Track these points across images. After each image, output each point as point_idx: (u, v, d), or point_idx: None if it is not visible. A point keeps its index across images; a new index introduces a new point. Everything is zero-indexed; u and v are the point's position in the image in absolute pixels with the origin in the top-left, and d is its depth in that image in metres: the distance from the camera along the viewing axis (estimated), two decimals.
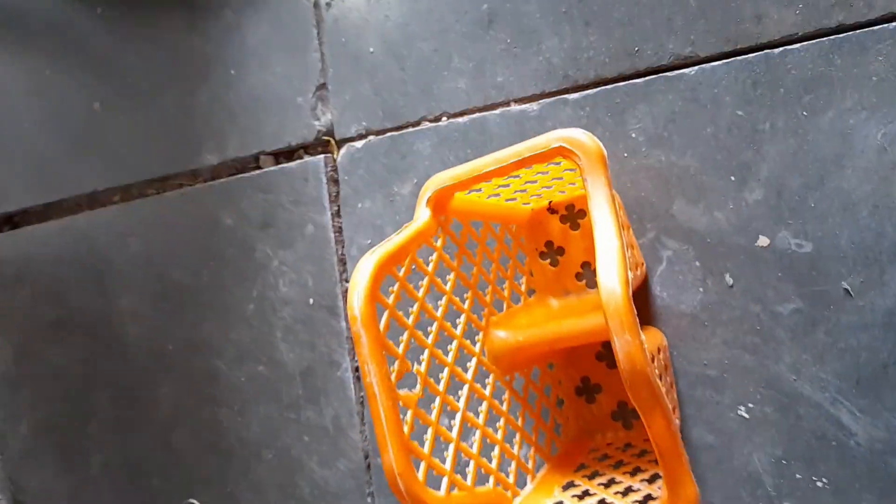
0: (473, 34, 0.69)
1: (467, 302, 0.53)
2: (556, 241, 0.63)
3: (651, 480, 0.50)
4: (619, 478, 0.52)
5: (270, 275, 0.80)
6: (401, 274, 0.46)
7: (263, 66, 0.81)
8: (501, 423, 0.52)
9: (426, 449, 0.43)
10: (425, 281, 0.49)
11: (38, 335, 0.98)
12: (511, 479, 0.50)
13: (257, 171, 0.82)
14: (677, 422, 0.58)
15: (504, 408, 0.53)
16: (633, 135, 0.61)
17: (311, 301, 0.78)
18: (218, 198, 0.85)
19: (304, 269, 0.78)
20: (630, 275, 0.40)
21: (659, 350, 0.56)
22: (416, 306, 0.47)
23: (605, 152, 0.44)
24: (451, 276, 0.52)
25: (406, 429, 0.42)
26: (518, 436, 0.53)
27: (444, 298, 0.50)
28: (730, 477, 0.57)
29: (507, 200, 0.59)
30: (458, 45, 0.69)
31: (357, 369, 0.75)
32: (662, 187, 0.60)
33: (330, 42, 0.76)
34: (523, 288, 0.61)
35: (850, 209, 0.54)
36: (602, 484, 0.52)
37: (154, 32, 0.90)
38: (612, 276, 0.39)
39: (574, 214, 0.62)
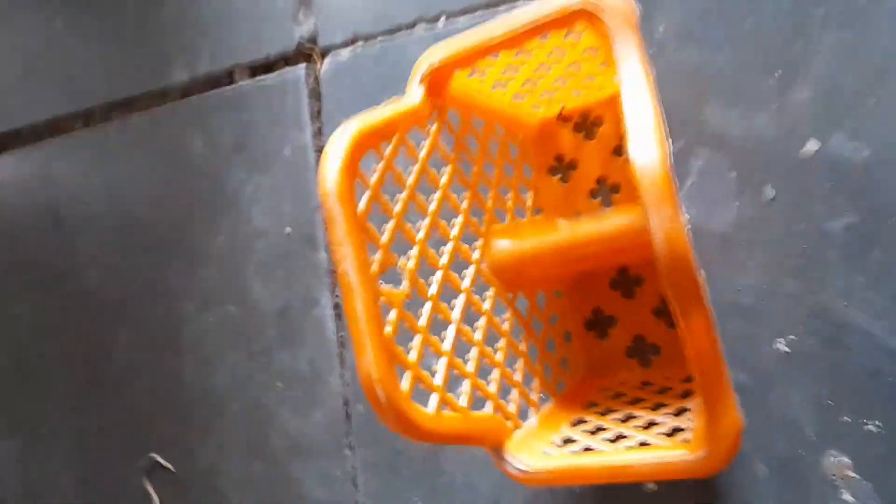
0: None
1: (465, 202, 0.45)
2: (567, 155, 0.55)
3: (677, 413, 0.42)
4: (637, 412, 0.44)
5: (243, 204, 0.72)
6: (387, 153, 0.38)
7: None
8: (502, 343, 0.44)
9: (413, 358, 0.35)
10: (416, 168, 0.40)
11: None
12: (512, 409, 0.42)
13: (231, 87, 0.73)
14: None
15: (505, 328, 0.45)
16: (661, 29, 0.53)
17: (288, 231, 0.69)
18: (187, 119, 0.76)
19: (280, 196, 0.70)
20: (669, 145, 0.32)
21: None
22: (404, 194, 0.39)
23: (638, 13, 0.36)
24: (448, 170, 0.44)
25: (389, 329, 0.34)
26: (521, 362, 0.45)
27: (439, 192, 0.42)
28: (765, 421, 0.49)
29: (514, 97, 0.51)
30: None
31: (337, 306, 0.67)
32: (694, 90, 0.52)
33: None
34: (529, 204, 0.53)
35: None
36: (618, 419, 0.44)
37: None
38: (647, 142, 0.31)
39: (590, 122, 0.54)
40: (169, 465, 0.78)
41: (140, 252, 0.80)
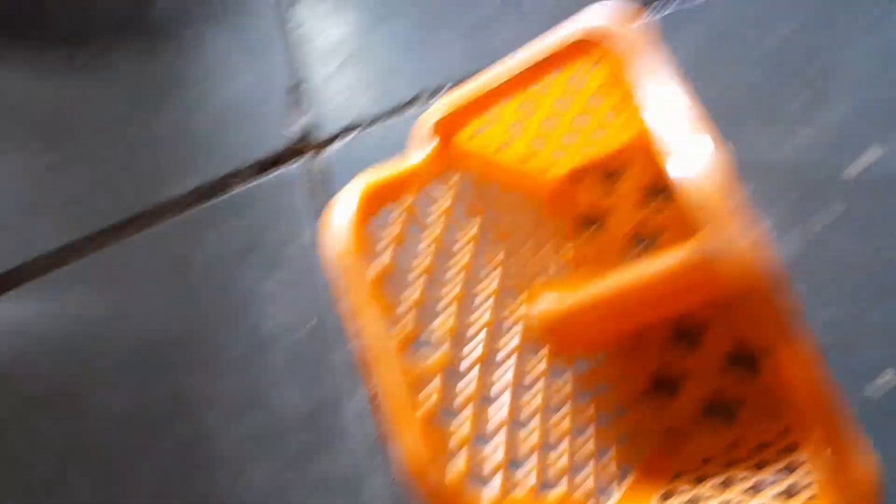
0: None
1: (501, 254, 0.40)
2: (591, 211, 0.50)
3: (791, 469, 0.35)
4: (738, 474, 0.37)
5: (255, 309, 0.69)
6: (406, 204, 0.34)
7: (228, 79, 0.72)
8: (568, 408, 0.38)
9: (465, 433, 0.30)
10: (440, 220, 0.36)
11: (2, 419, 0.86)
12: (591, 484, 0.36)
13: (228, 195, 0.71)
14: None
15: (567, 391, 0.39)
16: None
17: (310, 325, 0.65)
18: (187, 232, 0.75)
19: (292, 297, 0.67)
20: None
21: None
22: (424, 249, 0.34)
23: (651, 36, 0.32)
24: (477, 221, 0.39)
25: (434, 399, 0.28)
26: (591, 429, 0.39)
27: (470, 244, 0.37)
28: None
29: (522, 160, 0.47)
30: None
31: (375, 398, 0.61)
32: (729, 111, 0.48)
33: (299, 39, 0.68)
34: (565, 261, 0.49)
35: None
36: (717, 485, 0.37)
37: (107, 70, 0.83)
38: (691, 151, 0.27)
39: (607, 175, 0.50)
40: None
41: (159, 371, 0.76)
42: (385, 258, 0.30)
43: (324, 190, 0.65)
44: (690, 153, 0.27)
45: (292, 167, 0.67)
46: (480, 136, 0.41)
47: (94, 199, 0.82)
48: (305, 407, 0.65)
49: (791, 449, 0.38)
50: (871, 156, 0.44)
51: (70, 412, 0.83)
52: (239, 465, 0.69)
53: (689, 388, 0.47)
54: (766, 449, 0.40)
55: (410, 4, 0.61)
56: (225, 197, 0.71)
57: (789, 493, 0.32)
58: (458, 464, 0.28)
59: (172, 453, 0.74)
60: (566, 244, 0.50)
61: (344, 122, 0.65)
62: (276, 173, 0.68)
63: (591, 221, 0.51)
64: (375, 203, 0.32)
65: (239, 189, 0.70)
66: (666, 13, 0.51)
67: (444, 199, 0.38)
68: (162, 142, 0.77)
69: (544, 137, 0.44)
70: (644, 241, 0.49)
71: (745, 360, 0.45)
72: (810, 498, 0.29)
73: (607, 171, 0.50)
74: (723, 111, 0.48)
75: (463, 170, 0.41)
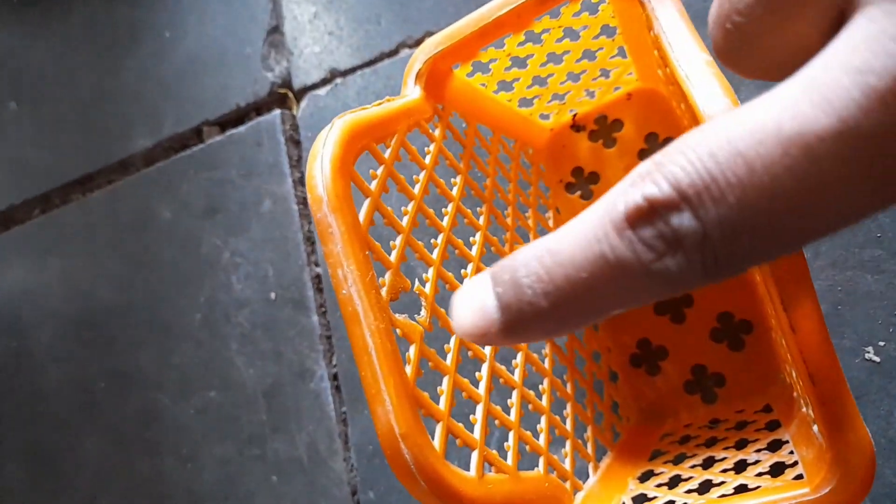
0: None
1: (482, 217, 0.38)
2: (586, 167, 0.49)
3: (773, 448, 0.34)
4: (719, 454, 0.36)
5: (221, 272, 0.65)
6: (387, 154, 0.31)
7: (202, 19, 0.67)
8: (545, 385, 0.36)
9: (443, 406, 0.27)
10: (423, 175, 0.34)
11: None
12: (567, 466, 0.34)
13: (199, 147, 0.67)
14: None
15: (546, 366, 0.37)
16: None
17: (273, 296, 0.62)
18: (153, 188, 0.70)
19: (262, 258, 0.63)
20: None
21: None
22: (411, 205, 0.32)
23: None
24: (458, 181, 0.37)
25: (409, 371, 0.26)
26: (569, 407, 0.37)
27: (451, 206, 0.35)
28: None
29: (520, 103, 0.45)
30: None
31: (336, 377, 0.59)
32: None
33: None
34: (552, 224, 0.47)
35: None
36: (697, 465, 0.36)
37: (68, 14, 0.77)
38: (711, 90, 0.25)
39: (607, 127, 0.48)
40: None
41: (106, 343, 0.72)
42: (364, 211, 0.28)
43: (301, 143, 0.62)
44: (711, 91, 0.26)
45: (268, 117, 0.63)
46: (480, 75, 0.39)
47: (49, 155, 0.77)
48: (262, 385, 0.62)
49: (772, 427, 0.36)
50: None
51: (6, 388, 0.78)
52: (189, 448, 0.65)
53: (671, 365, 0.45)
54: (745, 428, 0.39)
55: None
56: (196, 149, 0.67)
57: (773, 472, 0.30)
58: (436, 441, 0.25)
59: (117, 433, 0.70)
60: (551, 209, 0.48)
61: (323, 72, 0.61)
62: (251, 123, 0.64)
63: (577, 186, 0.49)
64: (359, 143, 0.29)
65: (211, 140, 0.66)
66: None
67: (429, 148, 0.35)
68: (128, 91, 0.72)
69: (543, 79, 0.42)
70: None
71: (729, 335, 0.44)
72: (796, 477, 0.27)
73: (601, 129, 0.48)
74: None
75: (456, 110, 0.38)
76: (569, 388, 0.38)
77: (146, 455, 0.68)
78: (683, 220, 0.12)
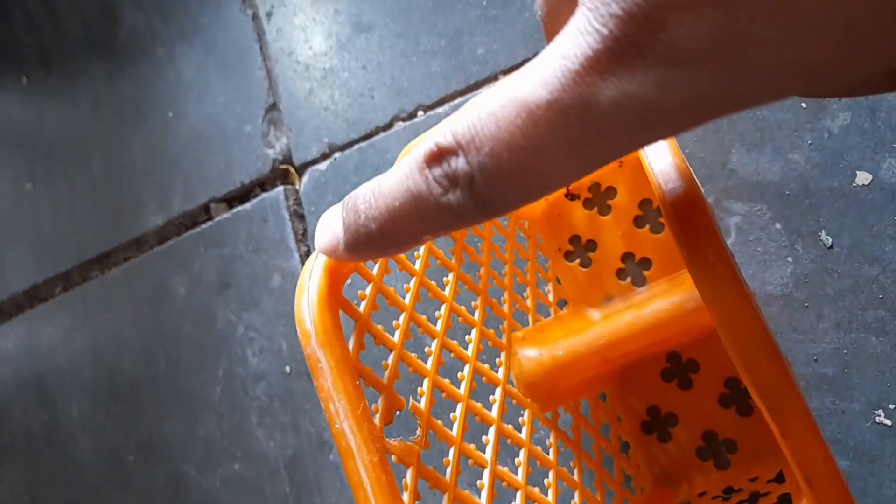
0: (441, 6, 0.57)
1: (477, 312, 0.38)
2: (583, 235, 0.49)
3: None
4: None
5: (236, 346, 0.66)
6: (375, 272, 0.32)
7: (203, 98, 0.69)
8: (550, 478, 0.36)
9: None
10: (413, 284, 0.35)
11: None
12: None
13: (208, 224, 0.69)
14: None
15: (551, 457, 0.37)
16: None
17: (288, 369, 0.63)
18: (167, 264, 0.72)
19: (275, 332, 0.64)
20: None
21: None
22: (402, 318, 0.33)
23: None
24: (450, 279, 0.38)
25: (407, 497, 0.27)
26: (577, 496, 0.38)
27: (444, 307, 0.36)
28: None
29: None
30: (425, 22, 0.58)
31: None
32: (711, 136, 0.47)
33: (275, 56, 0.65)
34: (551, 298, 0.47)
35: None
36: None
37: (78, 91, 0.80)
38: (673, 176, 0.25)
39: (601, 195, 0.49)
40: None
41: (132, 415, 0.74)
42: (352, 340, 0.29)
43: (305, 217, 0.63)
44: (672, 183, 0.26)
45: (272, 193, 0.64)
46: None
47: (68, 233, 0.80)
48: (284, 456, 0.63)
49: (784, 502, 0.37)
50: (869, 173, 0.42)
51: (37, 459, 0.80)
52: None
53: (681, 431, 0.46)
54: (758, 500, 0.39)
55: (396, 11, 0.60)
56: (205, 226, 0.69)
57: None
58: None
59: (145, 502, 0.72)
60: (550, 282, 0.48)
61: (321, 147, 0.62)
62: (256, 200, 0.66)
63: (576, 254, 0.49)
64: (344, 268, 0.30)
65: (219, 217, 0.68)
66: None
67: (419, 254, 0.36)
68: (137, 167, 0.74)
69: None
70: (629, 276, 0.48)
71: (736, 400, 0.44)
72: None
73: (595, 197, 0.49)
74: (712, 136, 0.47)
75: None
76: (576, 475, 0.39)
77: None
78: (459, 163, 0.15)
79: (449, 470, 0.31)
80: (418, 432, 0.30)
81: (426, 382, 0.32)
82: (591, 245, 0.49)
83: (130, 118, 0.74)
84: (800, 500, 0.36)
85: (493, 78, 0.55)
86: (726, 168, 0.46)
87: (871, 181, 0.42)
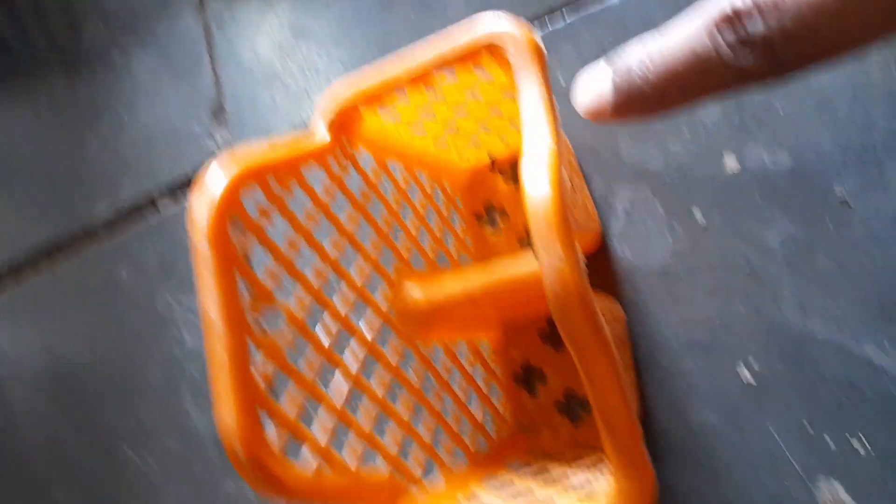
0: (374, 18, 0.63)
1: (369, 243, 0.42)
2: (497, 205, 0.54)
3: (592, 466, 0.37)
4: (552, 466, 0.39)
5: (173, 327, 0.70)
6: (277, 192, 0.36)
7: (155, 101, 0.75)
8: (405, 394, 0.40)
9: (290, 411, 0.31)
10: (311, 207, 0.38)
11: None
12: (418, 472, 0.37)
13: (154, 215, 0.73)
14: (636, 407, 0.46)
15: (414, 380, 0.41)
16: (561, 80, 0.54)
17: None
18: (114, 255, 0.76)
19: None
20: (566, 179, 0.30)
21: (614, 320, 0.46)
22: (292, 232, 0.36)
23: (543, 48, 0.35)
24: (352, 212, 0.41)
25: (261, 381, 0.30)
26: (429, 417, 0.41)
27: (337, 232, 0.40)
28: (745, 462, 0.44)
29: (438, 144, 0.50)
30: (360, 31, 0.64)
31: None
32: (604, 131, 0.52)
33: (224, 62, 0.71)
34: (454, 254, 0.51)
35: (827, 106, 0.46)
36: (528, 474, 0.39)
37: (37, 96, 0.85)
38: (538, 172, 0.29)
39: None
40: None
41: (78, 402, 0.77)
42: (246, 238, 0.32)
43: None
44: (537, 169, 0.29)
45: None
46: (391, 121, 0.43)
47: (21, 227, 0.84)
48: (213, 432, 0.65)
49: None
50: (736, 159, 0.47)
51: None
52: (149, 494, 0.69)
53: (547, 387, 0.50)
54: (595, 452, 0.42)
55: (332, 20, 0.65)
56: (151, 218, 0.73)
57: (580, 487, 0.34)
58: (277, 438, 0.29)
59: (86, 488, 0.74)
60: (459, 239, 0.52)
61: (265, 141, 0.67)
62: None
63: (488, 220, 0.54)
64: (248, 178, 0.34)
65: (165, 209, 0.72)
66: (579, 16, 0.54)
67: (326, 182, 0.39)
68: (88, 165, 0.79)
69: (456, 127, 0.47)
70: (529, 244, 0.51)
71: None
72: (589, 494, 0.31)
73: (515, 173, 0.53)
74: (604, 129, 0.52)
75: (364, 147, 0.42)
76: (435, 402, 0.42)
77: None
78: (757, 26, 0.16)
79: (304, 366, 0.34)
80: (283, 325, 0.34)
81: (299, 288, 0.36)
82: (504, 215, 0.53)
83: (87, 119, 0.80)
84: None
85: None
86: (617, 157, 0.51)
87: (738, 168, 0.47)
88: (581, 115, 0.21)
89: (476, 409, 0.46)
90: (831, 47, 0.16)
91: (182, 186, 0.72)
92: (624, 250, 0.50)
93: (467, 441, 0.44)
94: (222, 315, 0.30)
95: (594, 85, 0.20)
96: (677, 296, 0.48)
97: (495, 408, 0.49)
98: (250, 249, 0.33)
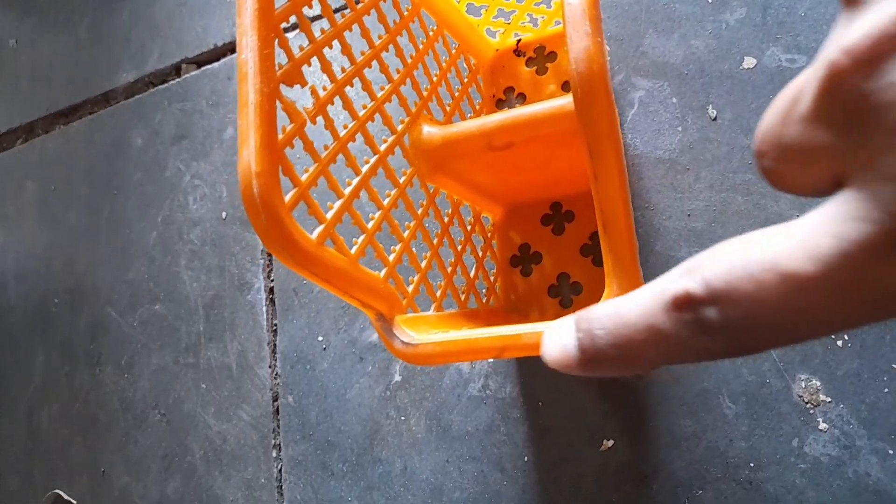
0: None
1: (397, 74, 0.43)
2: (517, 88, 0.55)
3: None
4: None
5: (180, 193, 0.71)
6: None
7: None
8: (412, 224, 0.41)
9: (303, 178, 0.33)
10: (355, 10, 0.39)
11: None
12: (410, 288, 0.39)
13: (175, 80, 0.74)
14: None
15: (419, 211, 0.42)
16: None
17: (224, 215, 0.67)
18: (129, 118, 0.77)
19: (218, 180, 0.69)
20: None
21: None
22: (330, 30, 0.37)
23: None
24: (385, 38, 0.42)
25: (280, 136, 0.31)
26: (430, 251, 0.42)
27: (369, 50, 0.40)
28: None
29: (468, 10, 0.51)
30: None
31: (272, 290, 0.64)
32: (630, 23, 0.54)
33: None
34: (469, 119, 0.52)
35: None
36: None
37: None
38: None
39: (544, 57, 0.55)
40: (72, 500, 0.70)
41: (68, 259, 0.78)
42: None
43: None
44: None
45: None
46: None
47: (43, 86, 0.85)
48: (205, 297, 0.67)
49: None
50: (754, 59, 0.49)
51: None
52: (129, 358, 0.70)
53: (542, 269, 0.51)
54: None
55: None
56: (172, 83, 0.74)
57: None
58: (288, 197, 0.30)
59: (64, 347, 0.75)
60: (477, 115, 0.54)
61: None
62: (224, 60, 0.71)
63: (506, 102, 0.56)
64: None
65: (188, 75, 0.73)
66: None
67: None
68: (119, 32, 0.80)
69: (490, 5, 0.50)
70: None
71: (594, 251, 0.49)
72: None
73: (538, 57, 0.55)
74: (630, 22, 0.54)
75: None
76: (436, 241, 0.43)
77: (88, 367, 0.73)
78: (712, 313, 0.17)
79: (325, 153, 0.35)
80: (311, 104, 0.35)
81: (332, 85, 0.37)
82: (521, 97, 0.55)
83: None
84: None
85: None
86: (638, 49, 0.53)
87: (756, 65, 0.49)
88: (549, 366, 0.22)
89: (471, 271, 0.48)
90: (789, 338, 0.17)
91: (209, 55, 0.73)
92: (634, 140, 0.52)
93: (460, 293, 0.45)
94: (260, 66, 0.31)
95: (560, 341, 0.21)
96: (680, 186, 0.49)
97: (489, 278, 0.50)
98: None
